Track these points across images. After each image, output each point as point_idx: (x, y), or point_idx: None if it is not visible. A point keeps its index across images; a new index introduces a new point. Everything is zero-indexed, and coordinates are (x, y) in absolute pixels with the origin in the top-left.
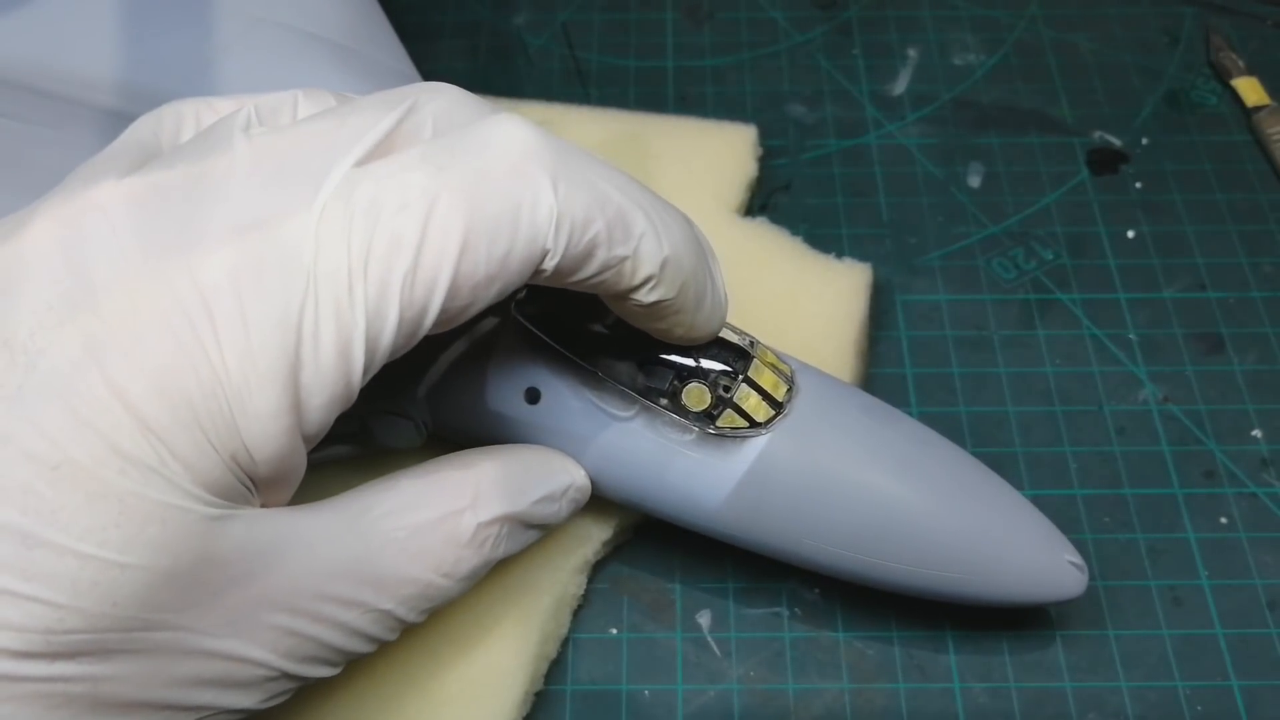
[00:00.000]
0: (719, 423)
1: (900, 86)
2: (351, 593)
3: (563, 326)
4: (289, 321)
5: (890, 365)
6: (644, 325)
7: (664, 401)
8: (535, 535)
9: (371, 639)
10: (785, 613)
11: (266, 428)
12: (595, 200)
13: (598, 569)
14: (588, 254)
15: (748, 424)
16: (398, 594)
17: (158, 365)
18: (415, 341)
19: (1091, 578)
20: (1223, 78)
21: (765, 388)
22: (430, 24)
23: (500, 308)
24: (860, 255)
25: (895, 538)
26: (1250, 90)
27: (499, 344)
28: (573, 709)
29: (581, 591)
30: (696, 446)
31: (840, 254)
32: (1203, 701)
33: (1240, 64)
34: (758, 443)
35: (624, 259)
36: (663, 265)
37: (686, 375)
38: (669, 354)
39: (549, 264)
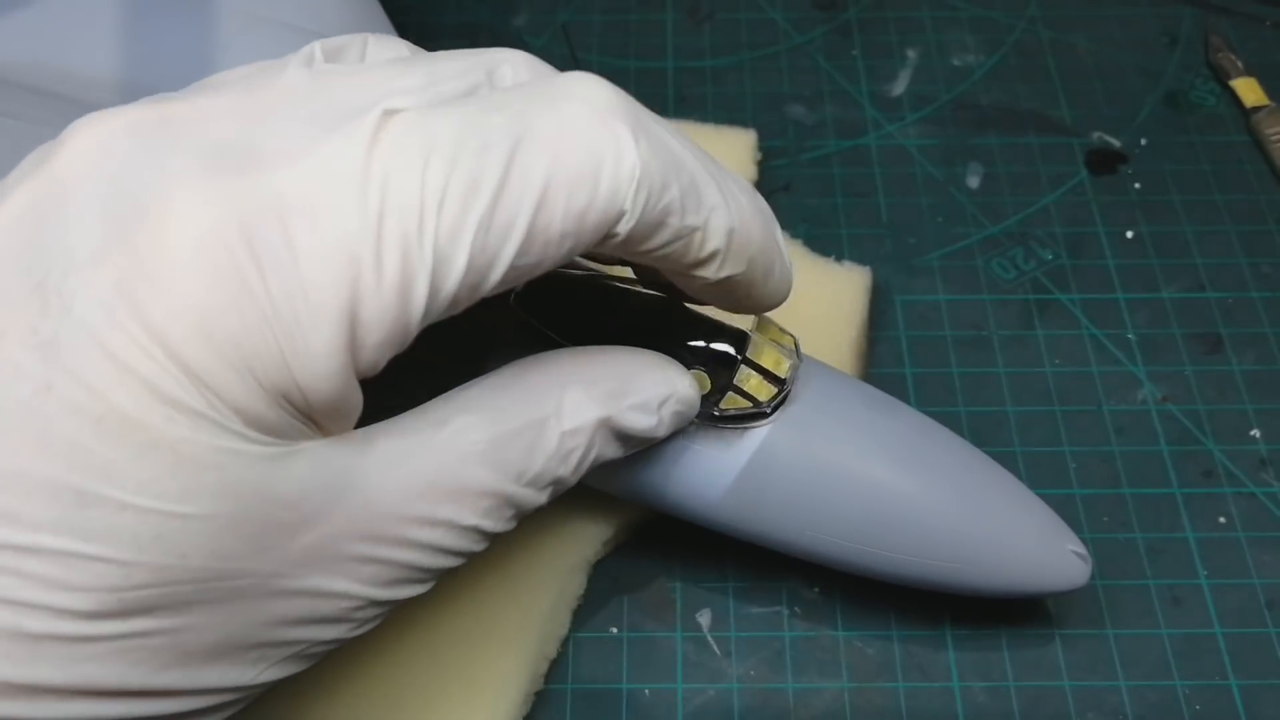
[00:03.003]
0: (721, 405)
1: (900, 87)
2: (430, 511)
3: (563, 319)
4: (347, 254)
5: (890, 365)
6: (707, 299)
7: None
8: (628, 449)
9: (458, 554)
10: (785, 611)
11: (319, 367)
12: (672, 165)
13: (597, 568)
14: (660, 221)
15: (751, 404)
16: (479, 507)
17: (199, 304)
18: (475, 298)
19: (1091, 577)
20: (1221, 78)
21: (766, 366)
22: (430, 24)
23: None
24: (859, 255)
25: (898, 528)
26: (1249, 91)
27: (500, 337)
28: (573, 709)
29: (581, 591)
30: (698, 437)
31: (840, 254)
32: (1201, 701)
33: (1239, 64)
34: (759, 433)
35: (695, 230)
36: (729, 239)
37: (687, 364)
38: (666, 346)
39: (623, 227)
